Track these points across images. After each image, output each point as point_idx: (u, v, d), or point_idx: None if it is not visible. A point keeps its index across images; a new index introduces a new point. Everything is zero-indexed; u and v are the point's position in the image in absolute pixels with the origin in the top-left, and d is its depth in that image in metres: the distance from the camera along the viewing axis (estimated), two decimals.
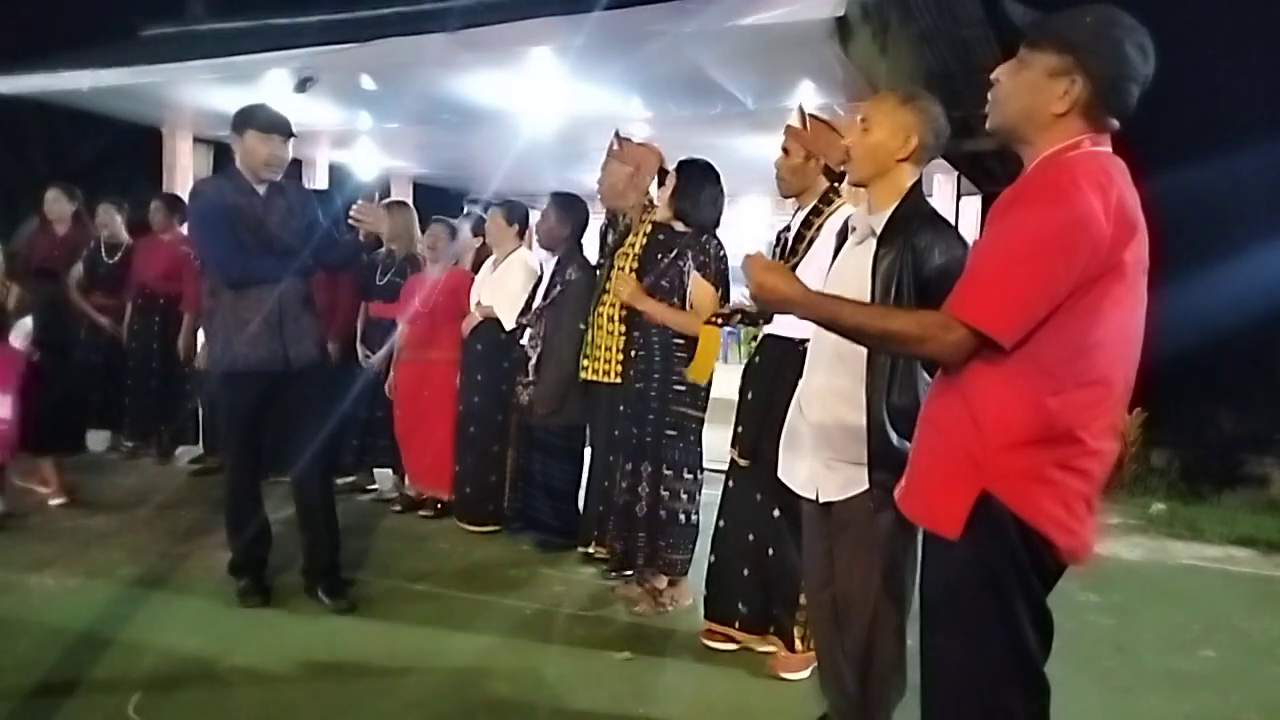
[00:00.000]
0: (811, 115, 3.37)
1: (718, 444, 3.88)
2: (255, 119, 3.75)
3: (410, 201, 11.04)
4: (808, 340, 3.16)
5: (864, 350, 2.44)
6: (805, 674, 3.28)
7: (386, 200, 5.99)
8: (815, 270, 3.20)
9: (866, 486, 2.45)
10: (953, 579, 1.86)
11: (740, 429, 3.44)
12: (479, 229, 5.42)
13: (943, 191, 9.38)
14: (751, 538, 3.44)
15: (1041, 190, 1.76)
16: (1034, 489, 1.76)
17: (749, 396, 3.42)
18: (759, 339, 3.49)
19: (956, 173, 9.05)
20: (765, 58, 5.88)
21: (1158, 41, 1.81)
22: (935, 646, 1.92)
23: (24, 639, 3.44)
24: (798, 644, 3.32)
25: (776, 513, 3.32)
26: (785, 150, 3.35)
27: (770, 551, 3.39)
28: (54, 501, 5.19)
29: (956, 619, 1.86)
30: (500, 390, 4.91)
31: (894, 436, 2.39)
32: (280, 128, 3.77)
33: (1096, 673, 3.49)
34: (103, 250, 6.36)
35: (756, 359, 3.45)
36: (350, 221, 3.80)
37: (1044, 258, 1.69)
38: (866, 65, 5.98)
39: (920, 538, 2.13)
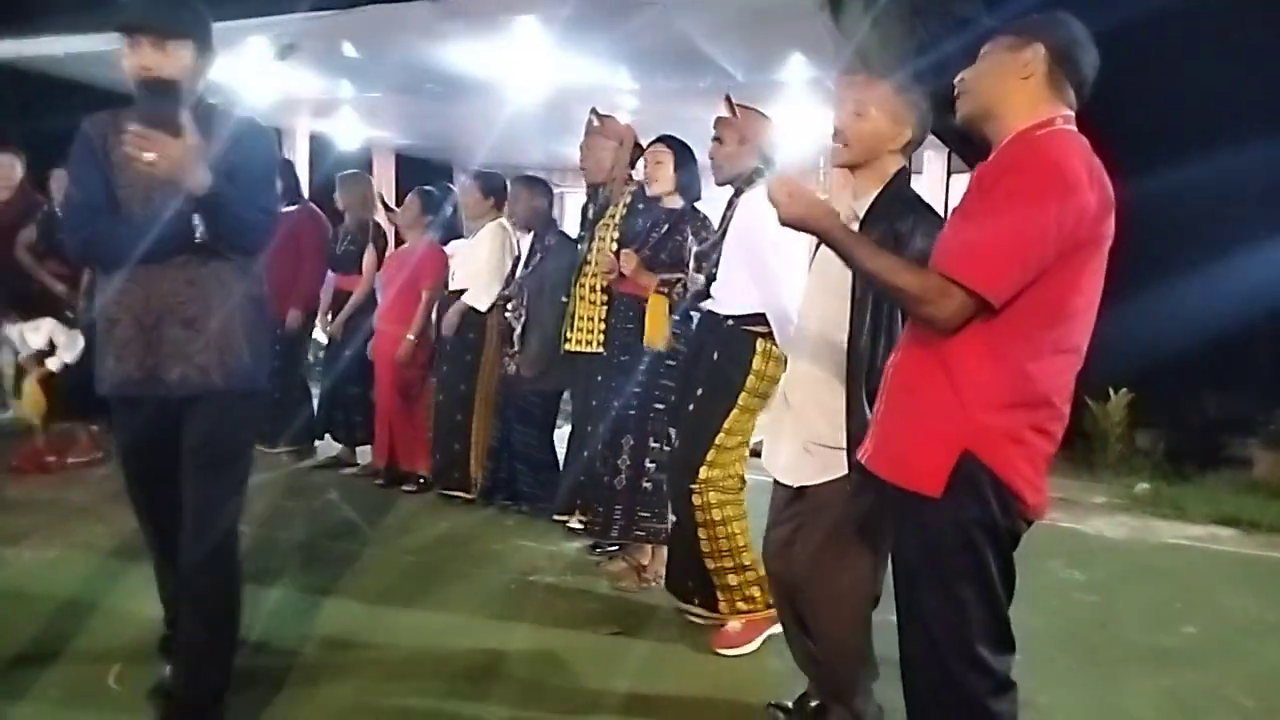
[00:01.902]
0: (740, 104, 3.42)
1: None
2: (117, 20, 2.52)
3: (393, 172, 11.04)
4: (735, 315, 3.23)
5: (845, 333, 2.45)
6: (751, 646, 3.30)
7: (343, 173, 5.93)
8: (735, 247, 3.27)
9: (844, 472, 2.44)
10: (931, 539, 1.90)
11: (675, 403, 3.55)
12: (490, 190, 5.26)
13: (932, 170, 9.36)
14: (671, 515, 3.52)
15: (1030, 160, 1.83)
16: (1010, 449, 1.84)
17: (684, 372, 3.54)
18: (700, 315, 3.53)
19: (947, 150, 9.02)
20: (755, 30, 5.82)
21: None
22: (914, 605, 1.96)
23: (2, 611, 3.40)
24: (723, 608, 3.36)
25: (672, 476, 3.45)
26: (719, 139, 3.40)
27: (674, 517, 3.50)
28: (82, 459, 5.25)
29: (935, 578, 1.91)
30: (465, 360, 4.94)
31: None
32: (140, 23, 2.45)
33: (1079, 649, 3.50)
34: (58, 216, 6.24)
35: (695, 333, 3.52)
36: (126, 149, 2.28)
37: (1036, 222, 1.75)
38: (857, 37, 5.93)
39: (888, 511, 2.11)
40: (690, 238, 3.83)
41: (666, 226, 3.90)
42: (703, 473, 3.23)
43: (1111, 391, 7.04)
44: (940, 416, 1.87)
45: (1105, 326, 1.94)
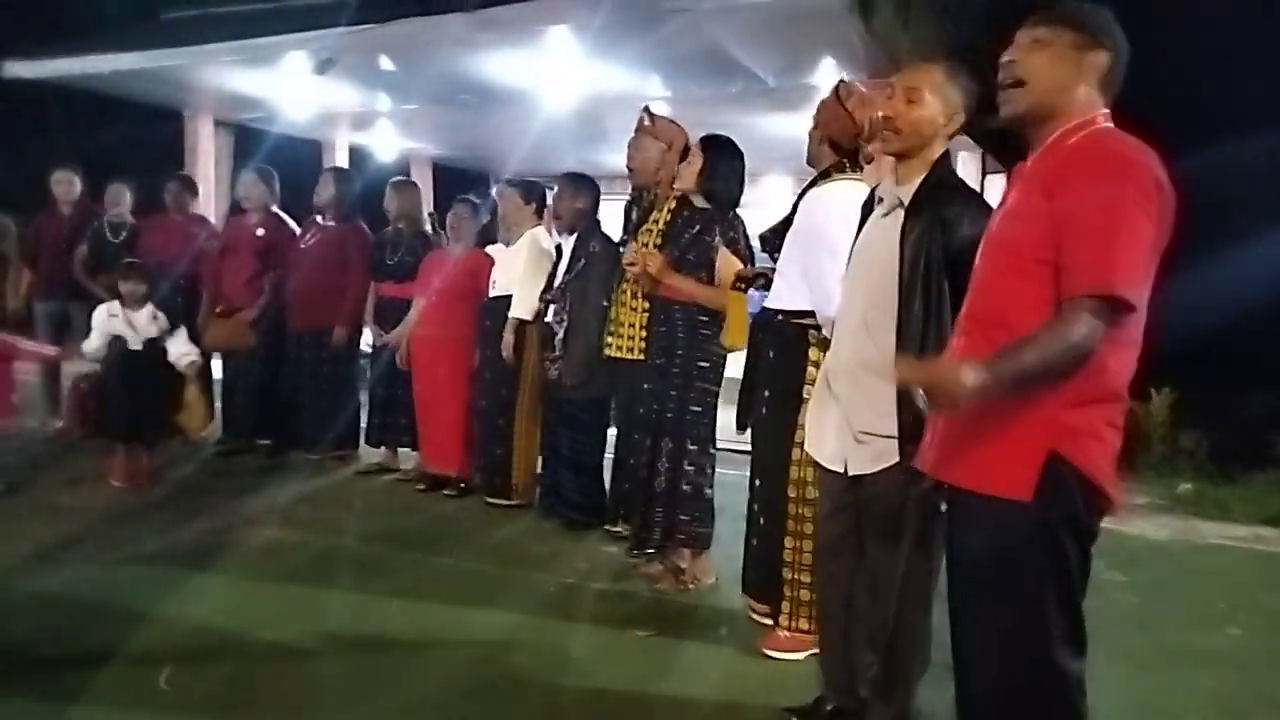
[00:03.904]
0: (841, 84, 3.33)
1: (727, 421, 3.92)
2: None
3: (430, 183, 11.17)
4: (786, 311, 3.21)
5: (892, 320, 2.43)
6: (797, 655, 3.27)
7: (394, 179, 6.00)
8: (793, 242, 3.26)
9: (897, 459, 2.43)
10: (1014, 544, 1.87)
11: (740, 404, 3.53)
12: (530, 197, 5.26)
13: (966, 170, 9.29)
14: (754, 508, 3.50)
15: (1113, 160, 1.82)
16: (1093, 446, 1.84)
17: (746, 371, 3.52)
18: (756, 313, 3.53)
19: (981, 151, 8.96)
20: (785, 34, 5.84)
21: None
22: (984, 615, 1.93)
23: (58, 614, 3.49)
24: (783, 620, 3.33)
25: (758, 482, 3.42)
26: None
27: (761, 521, 3.44)
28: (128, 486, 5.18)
29: (1015, 583, 1.88)
30: (506, 366, 4.96)
31: (924, 408, 2.37)
32: None
33: (1119, 651, 3.46)
34: (107, 230, 6.39)
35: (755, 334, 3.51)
36: None
37: (1149, 225, 1.78)
38: (888, 40, 5.92)
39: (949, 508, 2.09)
40: (717, 238, 3.83)
41: (697, 227, 3.89)
42: (793, 473, 3.20)
43: (1154, 391, 6.95)
44: (1024, 418, 1.84)
45: (1147, 325, 1.91)
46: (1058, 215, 1.81)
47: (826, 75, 6.47)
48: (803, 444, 3.11)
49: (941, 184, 2.48)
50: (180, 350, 5.22)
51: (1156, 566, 4.51)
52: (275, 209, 6.16)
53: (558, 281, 4.74)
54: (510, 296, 4.95)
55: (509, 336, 4.88)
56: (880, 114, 2.60)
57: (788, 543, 3.28)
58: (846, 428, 2.59)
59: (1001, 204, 2.05)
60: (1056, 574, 1.85)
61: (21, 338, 5.23)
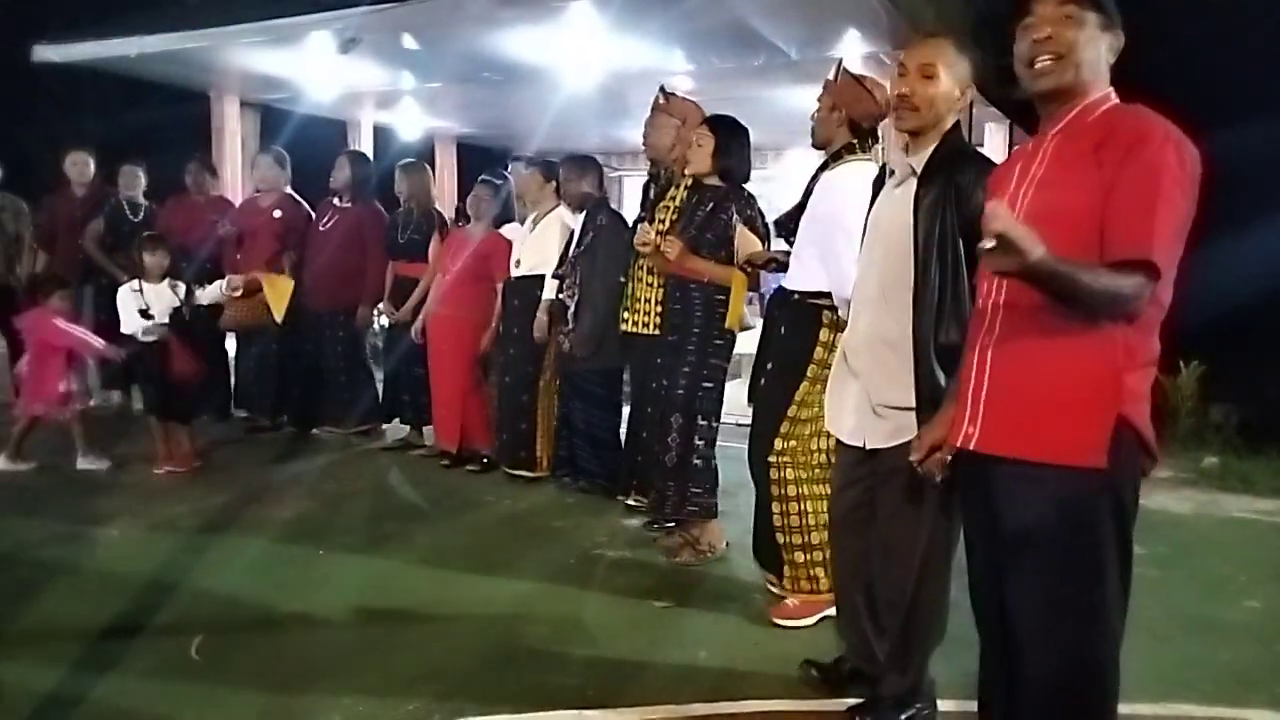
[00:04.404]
0: (846, 71, 3.41)
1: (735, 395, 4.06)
2: None
3: (455, 161, 11.21)
4: (802, 291, 3.24)
5: (909, 292, 2.44)
6: (806, 621, 3.34)
7: (401, 162, 6.09)
8: (808, 224, 3.29)
9: (915, 433, 2.43)
10: (1083, 510, 1.88)
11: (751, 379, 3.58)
12: (551, 175, 5.27)
13: (994, 141, 9.22)
14: (754, 478, 3.55)
15: (1156, 131, 1.84)
16: (1143, 406, 1.90)
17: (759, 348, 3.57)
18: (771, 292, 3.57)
19: (1009, 122, 8.87)
20: (808, 7, 5.79)
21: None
22: (1048, 585, 1.92)
23: (93, 586, 3.60)
24: (787, 584, 3.41)
25: (752, 451, 3.46)
26: (819, 102, 3.42)
27: (758, 490, 3.51)
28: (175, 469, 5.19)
29: (1083, 551, 1.89)
30: (532, 344, 5.03)
31: (941, 378, 2.38)
32: None
33: (1137, 623, 3.37)
34: (125, 208, 6.48)
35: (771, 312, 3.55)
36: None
37: (1187, 192, 1.83)
38: (913, 12, 5.87)
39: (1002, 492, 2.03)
40: (735, 216, 3.86)
41: (711, 205, 3.92)
42: (778, 444, 3.28)
43: (1182, 365, 6.88)
44: (1095, 384, 1.86)
45: (1176, 297, 1.93)
46: (1106, 180, 1.84)
47: (851, 47, 6.42)
48: (793, 418, 3.18)
49: (954, 151, 2.49)
50: (212, 294, 5.46)
51: (1178, 539, 4.49)
52: (289, 190, 6.25)
53: (569, 256, 4.82)
54: (537, 276, 5.01)
55: (542, 317, 4.95)
56: (895, 92, 2.60)
57: (775, 508, 3.36)
58: (866, 402, 2.60)
59: (1013, 177, 2.04)
60: (1120, 537, 1.90)
61: (73, 326, 5.26)
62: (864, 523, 2.69)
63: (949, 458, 2.16)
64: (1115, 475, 1.86)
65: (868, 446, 2.61)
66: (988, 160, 2.51)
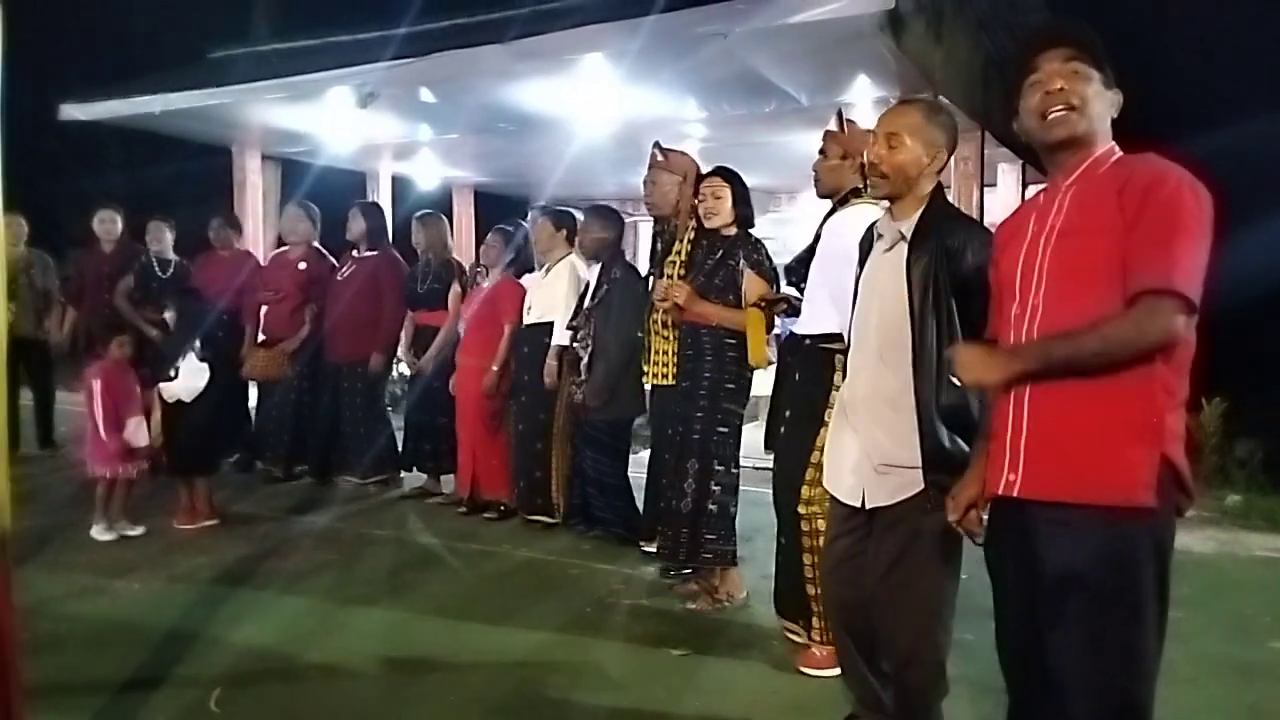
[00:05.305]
0: (849, 120, 3.49)
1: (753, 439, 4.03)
2: None
3: (471, 209, 11.36)
4: (813, 336, 3.26)
5: (908, 351, 2.46)
6: (834, 671, 3.24)
7: (418, 214, 6.16)
8: (818, 266, 3.32)
9: (919, 489, 2.45)
10: (1129, 550, 1.89)
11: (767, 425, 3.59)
12: (561, 224, 5.33)
13: (1006, 181, 9.24)
14: (777, 528, 3.54)
15: (1171, 171, 1.92)
16: (1181, 447, 1.92)
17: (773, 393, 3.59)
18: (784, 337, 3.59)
19: (1021, 162, 8.90)
20: (818, 54, 5.87)
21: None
22: (1093, 628, 1.91)
23: (113, 638, 3.62)
24: (815, 635, 3.36)
25: (779, 502, 3.45)
26: (822, 152, 3.47)
27: (783, 540, 3.49)
28: (208, 523, 5.15)
29: (1127, 591, 1.90)
30: (543, 391, 5.07)
31: (945, 437, 2.40)
32: None
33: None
34: (155, 265, 6.56)
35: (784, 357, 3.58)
36: None
37: (1205, 230, 1.88)
38: (921, 56, 5.94)
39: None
40: (742, 261, 3.89)
41: (720, 252, 3.96)
42: (805, 492, 3.26)
43: (1205, 401, 6.82)
44: (1140, 424, 1.88)
45: (1197, 331, 1.94)
46: (1128, 222, 1.89)
47: (861, 93, 6.49)
48: (818, 464, 3.15)
49: (941, 215, 2.54)
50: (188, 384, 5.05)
51: (1199, 579, 4.44)
52: (316, 244, 6.34)
53: (584, 308, 4.88)
54: (546, 324, 5.07)
55: (552, 362, 4.99)
56: (866, 159, 2.65)
57: (806, 559, 3.33)
58: (866, 461, 2.61)
59: (1027, 229, 2.08)
60: (1160, 576, 1.91)
61: (134, 387, 5.02)
62: (857, 572, 2.67)
63: (984, 515, 2.17)
64: (1158, 515, 1.89)
65: (868, 505, 2.62)
66: (975, 222, 2.60)
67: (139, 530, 4.95)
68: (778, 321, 3.96)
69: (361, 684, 3.27)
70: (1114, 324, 1.86)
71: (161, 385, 5.05)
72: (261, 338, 6.24)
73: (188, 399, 5.04)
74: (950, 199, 2.75)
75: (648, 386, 4.46)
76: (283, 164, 9.50)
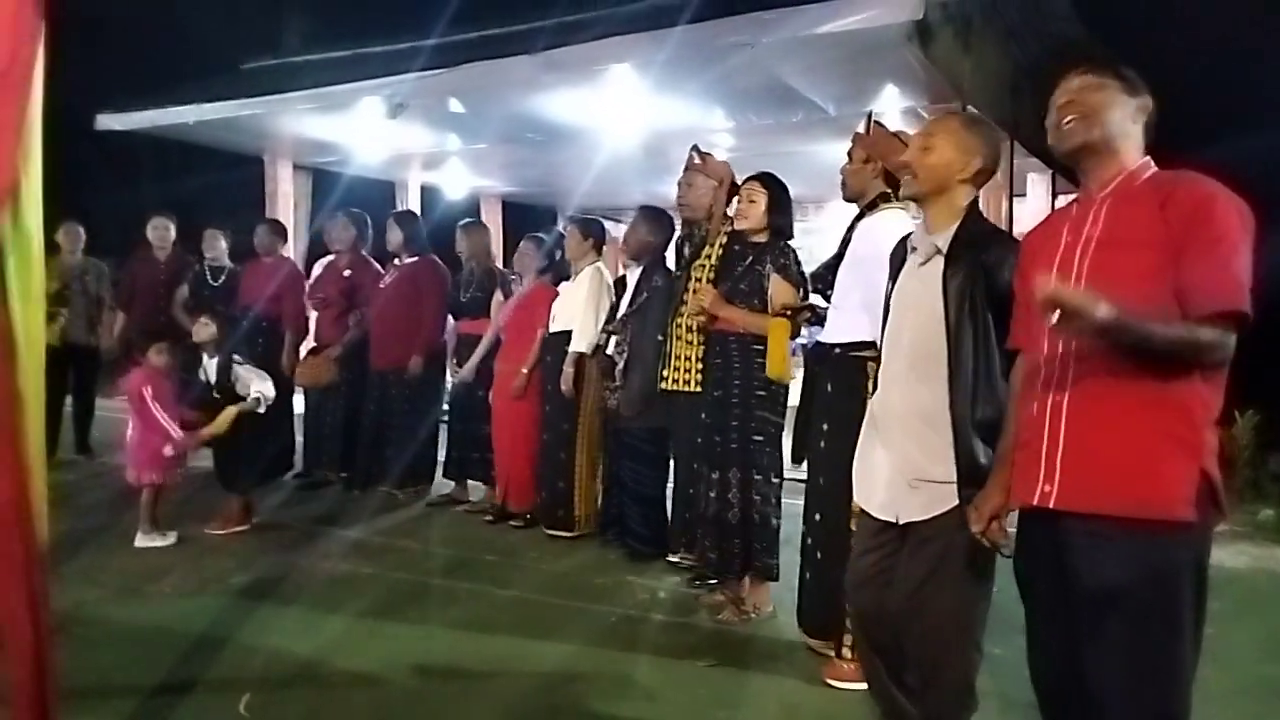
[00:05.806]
0: (877, 123, 3.48)
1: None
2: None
3: (499, 219, 11.42)
4: (843, 344, 3.22)
5: (943, 366, 2.45)
6: (862, 685, 3.18)
7: (462, 223, 6.19)
8: (848, 271, 3.30)
9: (953, 504, 2.43)
10: (1170, 564, 1.89)
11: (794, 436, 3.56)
12: (589, 233, 5.33)
13: (1036, 191, 9.20)
14: (809, 541, 3.50)
15: (1215, 187, 1.93)
16: (1216, 461, 1.92)
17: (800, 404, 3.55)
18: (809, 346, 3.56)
19: (1051, 172, 8.86)
20: (845, 64, 5.88)
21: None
22: (1135, 643, 1.91)
23: (144, 643, 3.66)
24: (845, 651, 3.32)
25: (817, 516, 3.41)
26: (849, 155, 3.46)
27: (818, 555, 3.43)
28: (239, 529, 5.21)
29: (1168, 606, 1.90)
30: (566, 400, 5.04)
31: (981, 452, 2.39)
32: None
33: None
34: (208, 274, 6.65)
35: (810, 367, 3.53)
36: None
37: (1249, 250, 1.90)
38: (949, 66, 5.93)
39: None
40: (768, 265, 3.88)
41: (750, 258, 3.95)
42: (855, 506, 3.19)
43: (1237, 414, 6.73)
44: (1180, 438, 1.89)
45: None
46: (1174, 238, 1.89)
47: (889, 102, 6.49)
48: None
49: (977, 231, 2.53)
50: (257, 386, 5.12)
51: (1231, 595, 4.37)
52: (364, 252, 6.42)
53: (620, 313, 4.84)
54: (567, 332, 5.06)
55: (569, 370, 4.98)
56: (902, 159, 2.66)
57: None
58: (899, 477, 2.59)
59: (1060, 238, 2.08)
60: (1198, 591, 1.91)
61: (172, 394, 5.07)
62: (885, 587, 2.65)
63: (1008, 527, 2.16)
64: (1198, 530, 1.89)
65: (901, 521, 2.60)
66: (1012, 238, 2.58)
67: (172, 537, 4.98)
68: (803, 331, 3.94)
69: (388, 691, 3.29)
70: (1203, 330, 1.85)
71: (253, 392, 5.07)
72: (311, 344, 6.33)
73: (269, 404, 5.12)
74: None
75: (662, 389, 4.38)
76: (313, 173, 9.62)
